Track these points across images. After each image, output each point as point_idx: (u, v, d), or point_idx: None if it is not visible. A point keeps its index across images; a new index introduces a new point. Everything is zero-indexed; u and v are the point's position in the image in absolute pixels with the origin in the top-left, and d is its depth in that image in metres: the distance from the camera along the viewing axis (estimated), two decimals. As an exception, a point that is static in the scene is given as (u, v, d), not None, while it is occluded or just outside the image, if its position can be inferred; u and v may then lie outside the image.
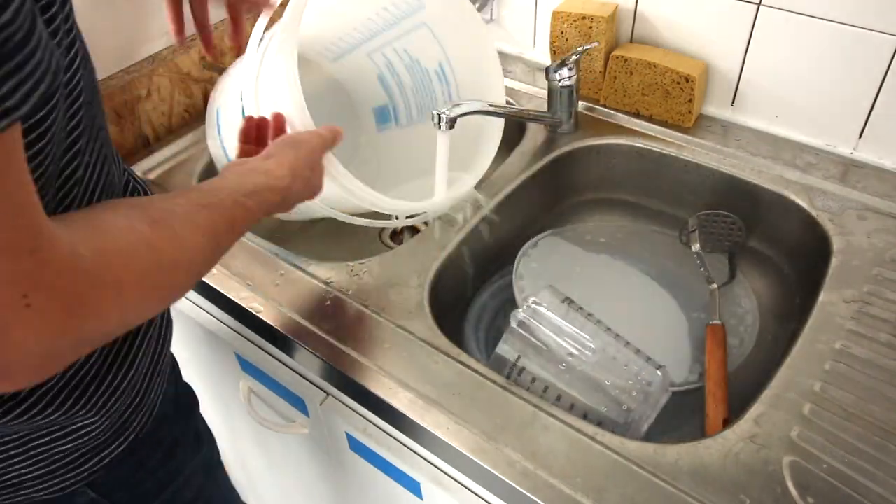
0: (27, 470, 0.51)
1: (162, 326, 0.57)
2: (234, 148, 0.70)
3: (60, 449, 0.51)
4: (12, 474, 0.51)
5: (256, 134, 0.66)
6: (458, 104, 0.75)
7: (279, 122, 0.65)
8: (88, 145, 0.45)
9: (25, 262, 0.31)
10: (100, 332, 0.37)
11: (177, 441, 0.63)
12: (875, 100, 0.82)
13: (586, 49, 0.89)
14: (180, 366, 0.70)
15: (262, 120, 0.66)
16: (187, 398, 0.67)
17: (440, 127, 0.74)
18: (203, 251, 0.44)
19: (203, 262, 0.45)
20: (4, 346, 0.31)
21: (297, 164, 0.58)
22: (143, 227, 0.40)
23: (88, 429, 0.52)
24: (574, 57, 0.88)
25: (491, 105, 0.80)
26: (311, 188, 0.61)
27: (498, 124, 0.85)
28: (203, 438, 0.68)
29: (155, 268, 0.39)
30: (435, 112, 0.73)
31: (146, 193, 0.56)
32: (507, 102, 1.00)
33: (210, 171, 0.93)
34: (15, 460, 0.50)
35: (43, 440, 0.50)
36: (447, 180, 0.78)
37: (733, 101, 0.93)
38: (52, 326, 0.33)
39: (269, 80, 0.68)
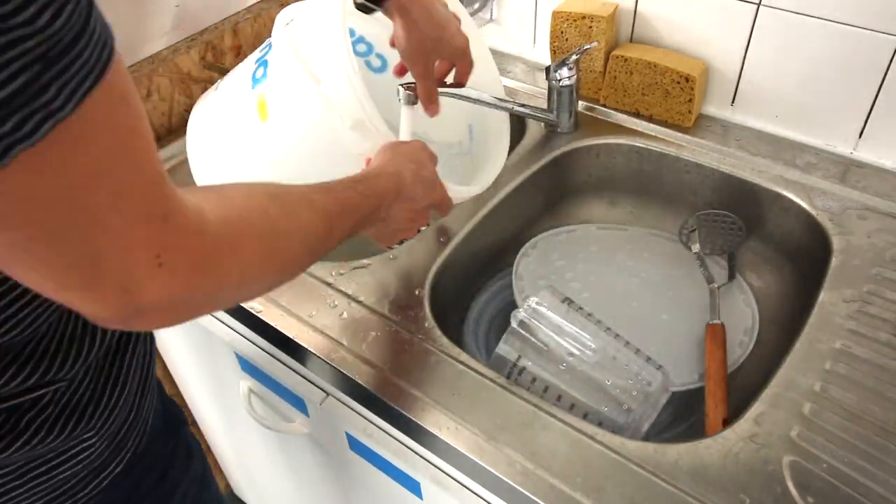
0: (27, 501, 0.50)
1: (146, 343, 0.57)
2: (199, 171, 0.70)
3: (60, 476, 0.51)
4: None
5: None
6: (455, 93, 0.74)
7: None
8: None
9: (159, 227, 0.35)
10: (223, 288, 0.40)
11: (171, 457, 0.63)
12: (875, 100, 0.82)
13: (586, 49, 0.89)
14: (179, 368, 0.70)
15: None
16: (175, 414, 0.67)
17: (401, 100, 0.71)
18: (316, 227, 0.48)
19: (316, 239, 0.48)
20: (140, 295, 0.35)
21: (394, 158, 0.59)
22: (262, 199, 0.44)
23: (87, 452, 0.51)
24: (574, 57, 0.88)
25: (475, 90, 0.78)
26: (425, 182, 0.61)
27: (504, 140, 0.82)
28: (194, 452, 0.68)
29: (270, 235, 0.43)
30: (399, 85, 0.71)
31: None
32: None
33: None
34: (15, 493, 0.49)
35: (42, 468, 0.49)
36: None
37: (733, 101, 0.93)
38: (181, 281, 0.36)
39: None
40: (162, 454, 0.61)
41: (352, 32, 0.83)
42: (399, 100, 0.72)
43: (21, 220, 0.31)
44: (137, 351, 0.55)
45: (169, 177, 0.36)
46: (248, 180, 0.49)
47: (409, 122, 0.73)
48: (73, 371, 0.48)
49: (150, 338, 0.58)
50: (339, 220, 0.50)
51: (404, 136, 0.73)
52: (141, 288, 0.35)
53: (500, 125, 0.82)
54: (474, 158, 0.84)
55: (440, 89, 0.72)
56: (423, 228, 0.67)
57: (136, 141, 0.34)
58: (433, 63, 0.71)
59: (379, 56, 0.86)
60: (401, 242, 0.66)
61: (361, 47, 0.85)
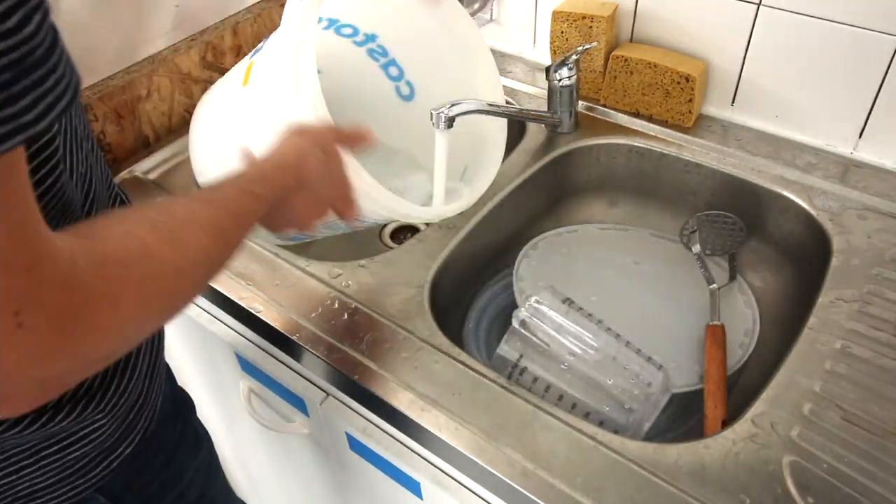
0: (39, 479, 0.51)
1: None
2: (206, 170, 0.70)
3: (71, 456, 0.51)
4: (25, 485, 0.50)
5: None
6: (457, 103, 0.75)
7: None
8: (68, 155, 0.44)
9: (20, 279, 0.30)
10: (98, 350, 0.34)
11: (178, 442, 0.63)
12: (875, 100, 0.82)
13: (586, 49, 0.89)
14: (179, 367, 0.70)
15: None
16: (184, 400, 0.67)
17: (438, 126, 0.73)
18: (208, 252, 0.42)
19: (208, 264, 0.43)
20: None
21: (302, 144, 0.55)
22: (141, 232, 0.38)
23: (98, 433, 0.52)
24: (574, 57, 0.88)
25: (490, 105, 0.80)
26: (332, 173, 0.57)
27: (500, 139, 0.83)
28: (202, 439, 0.68)
29: (154, 276, 0.37)
30: (433, 110, 0.73)
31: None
32: (507, 102, 1.00)
33: (210, 171, 0.94)
34: (27, 471, 0.50)
35: (54, 448, 0.50)
36: (445, 189, 0.78)
37: (733, 101, 0.93)
38: (46, 346, 0.31)
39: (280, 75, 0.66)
40: (170, 438, 0.62)
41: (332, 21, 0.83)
42: (433, 124, 0.73)
43: None
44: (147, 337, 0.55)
45: (42, 218, 0.31)
46: (133, 208, 0.44)
47: (444, 149, 0.73)
48: None
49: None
50: (236, 233, 0.46)
51: (440, 161, 0.72)
52: None
53: (496, 136, 0.82)
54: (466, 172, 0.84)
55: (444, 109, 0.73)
56: (322, 229, 0.61)
57: (9, 173, 0.29)
58: None
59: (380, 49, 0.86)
60: (293, 239, 0.62)
61: (361, 37, 0.85)
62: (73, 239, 0.34)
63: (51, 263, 0.31)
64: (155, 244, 0.38)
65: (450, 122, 0.73)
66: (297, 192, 0.54)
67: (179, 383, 0.71)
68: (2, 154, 0.28)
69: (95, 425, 0.51)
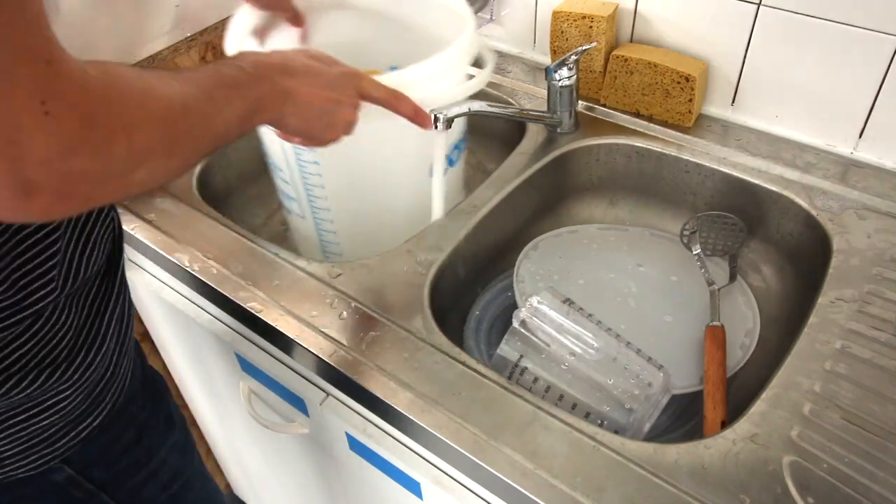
0: (7, 447, 0.52)
1: (125, 307, 0.58)
2: None
3: (38, 425, 0.53)
4: None
5: None
6: (457, 104, 0.75)
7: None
8: None
9: (42, 68, 0.33)
10: (113, 157, 0.38)
11: (147, 420, 0.64)
12: (875, 100, 0.82)
13: (586, 49, 0.89)
14: (180, 369, 0.70)
15: None
16: (155, 382, 0.68)
17: (436, 127, 0.72)
18: (194, 96, 0.45)
19: (197, 106, 0.45)
20: (28, 156, 0.33)
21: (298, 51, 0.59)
22: (132, 69, 0.42)
23: (63, 403, 0.53)
24: (574, 57, 0.88)
25: (490, 104, 0.80)
26: (320, 57, 0.59)
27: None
28: (175, 422, 0.69)
29: (152, 98, 0.41)
30: (431, 111, 0.73)
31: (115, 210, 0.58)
32: (507, 102, 1.00)
33: (209, 171, 0.93)
34: None
35: (21, 416, 0.51)
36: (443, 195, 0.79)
37: (733, 101, 0.93)
38: (70, 137, 0.34)
39: None
40: (138, 417, 0.63)
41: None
42: (431, 126, 0.73)
43: None
44: (115, 314, 0.56)
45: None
46: None
47: (443, 150, 0.74)
48: (54, 329, 0.49)
49: (129, 304, 0.60)
50: (219, 91, 0.48)
51: (439, 161, 0.75)
52: (29, 139, 0.33)
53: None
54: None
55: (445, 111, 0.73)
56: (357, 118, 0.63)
57: None
58: None
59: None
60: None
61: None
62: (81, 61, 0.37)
63: (66, 61, 0.34)
64: (146, 75, 0.42)
65: (448, 122, 0.73)
66: (296, 79, 0.56)
67: (179, 386, 0.71)
68: None
69: (60, 396, 0.52)
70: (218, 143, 0.48)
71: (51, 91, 0.33)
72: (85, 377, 0.54)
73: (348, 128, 0.62)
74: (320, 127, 0.59)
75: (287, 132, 0.59)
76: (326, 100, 0.58)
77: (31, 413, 0.52)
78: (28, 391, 0.50)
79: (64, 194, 0.36)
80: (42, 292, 0.48)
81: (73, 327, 0.52)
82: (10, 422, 0.51)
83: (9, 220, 0.38)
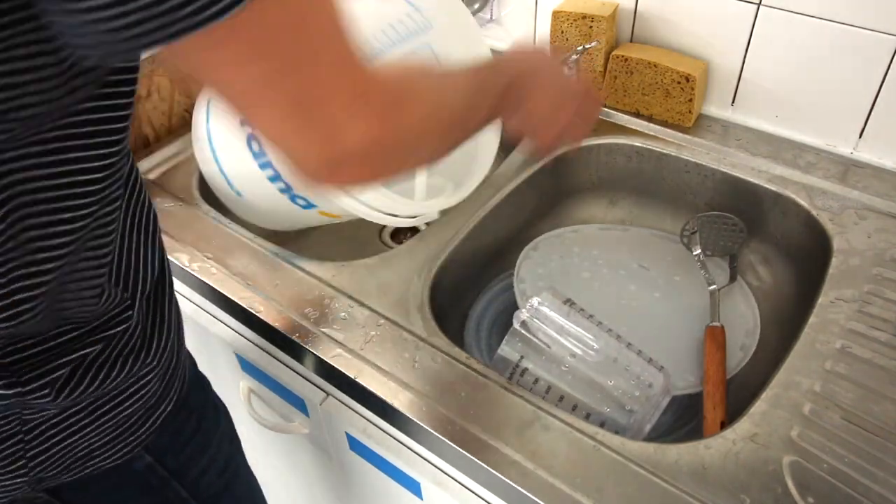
0: (96, 439, 0.54)
1: (174, 291, 0.61)
2: (230, 163, 0.71)
3: (123, 413, 0.55)
4: (83, 446, 0.54)
5: None
6: None
7: None
8: None
9: (360, 69, 0.39)
10: (407, 136, 0.43)
11: (203, 407, 0.67)
12: (875, 100, 0.82)
13: (586, 49, 0.89)
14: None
15: None
16: (201, 374, 0.71)
17: None
18: (464, 107, 0.51)
19: (465, 100, 0.51)
20: (344, 138, 0.39)
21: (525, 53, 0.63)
22: (422, 69, 0.49)
23: (144, 389, 0.55)
24: (574, 56, 0.88)
25: None
26: (561, 72, 0.64)
27: (493, 139, 0.83)
28: (220, 410, 0.71)
29: (434, 89, 0.47)
30: None
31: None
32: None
33: (210, 171, 0.93)
34: (86, 431, 0.53)
35: (108, 406, 0.54)
36: (427, 185, 0.78)
37: (733, 101, 0.93)
38: (377, 120, 0.40)
39: None
40: (197, 404, 0.65)
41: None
42: None
43: (270, 50, 0.35)
44: (173, 297, 0.59)
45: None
46: None
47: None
48: (133, 309, 0.53)
49: (174, 300, 0.62)
50: (483, 101, 0.53)
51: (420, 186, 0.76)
52: (351, 124, 0.38)
53: (489, 136, 0.82)
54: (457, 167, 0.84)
55: None
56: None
57: None
58: None
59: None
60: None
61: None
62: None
63: (370, 62, 0.39)
64: (427, 69, 0.50)
65: None
66: (533, 88, 0.59)
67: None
68: None
69: (142, 382, 0.55)
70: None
71: (365, 80, 0.39)
72: (159, 361, 0.56)
73: (556, 139, 0.66)
74: (535, 127, 0.63)
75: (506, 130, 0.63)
76: (551, 109, 0.62)
77: (116, 402, 0.54)
78: (117, 380, 0.52)
79: (365, 166, 0.42)
80: (142, 284, 0.53)
81: (146, 313, 0.55)
82: (98, 412, 0.53)
83: (313, 185, 0.43)
